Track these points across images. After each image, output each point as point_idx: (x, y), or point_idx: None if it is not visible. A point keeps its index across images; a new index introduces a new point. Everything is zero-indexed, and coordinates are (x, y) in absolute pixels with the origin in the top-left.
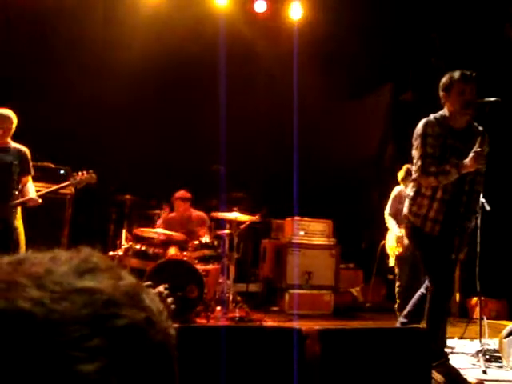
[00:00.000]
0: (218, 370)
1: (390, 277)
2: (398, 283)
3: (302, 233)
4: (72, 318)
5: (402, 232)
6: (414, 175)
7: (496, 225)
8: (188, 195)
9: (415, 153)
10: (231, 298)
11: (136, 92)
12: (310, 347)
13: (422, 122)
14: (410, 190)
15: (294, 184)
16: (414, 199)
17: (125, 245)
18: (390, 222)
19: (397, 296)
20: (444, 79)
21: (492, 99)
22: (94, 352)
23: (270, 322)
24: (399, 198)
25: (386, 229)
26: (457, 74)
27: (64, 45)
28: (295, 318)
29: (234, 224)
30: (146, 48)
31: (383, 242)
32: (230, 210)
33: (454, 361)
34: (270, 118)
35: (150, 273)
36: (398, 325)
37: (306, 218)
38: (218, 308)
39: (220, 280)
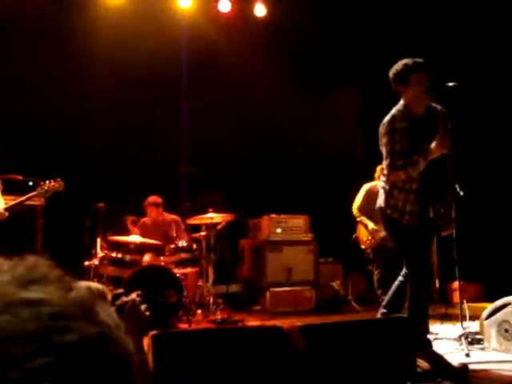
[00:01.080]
0: (203, 373)
1: (370, 267)
2: (376, 271)
3: (279, 230)
4: (14, 333)
5: (376, 226)
6: (385, 172)
7: (472, 209)
8: (159, 200)
9: (384, 150)
10: (211, 300)
11: (101, 99)
12: (293, 344)
13: (388, 117)
14: (384, 184)
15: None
16: (390, 192)
17: (100, 253)
18: (363, 217)
19: (376, 285)
20: (397, 70)
21: (450, 84)
22: (38, 373)
23: (252, 322)
24: (371, 195)
25: (356, 222)
26: (410, 62)
27: (25, 56)
28: (278, 315)
29: (210, 225)
30: (111, 53)
31: (355, 234)
32: (205, 211)
33: (437, 346)
34: (237, 117)
35: (128, 280)
36: (378, 315)
37: (282, 215)
38: (199, 311)
39: (199, 283)
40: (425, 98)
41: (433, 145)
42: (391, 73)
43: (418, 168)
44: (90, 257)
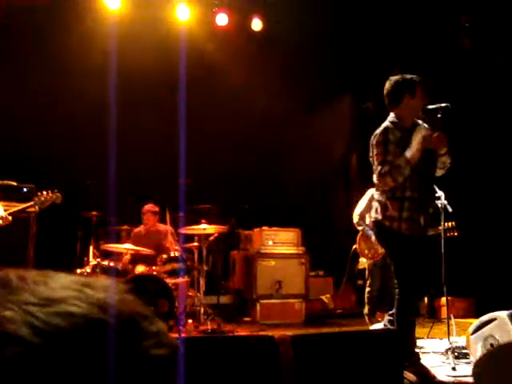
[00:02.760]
0: (193, 381)
1: (360, 282)
2: (368, 289)
3: (270, 242)
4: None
5: None
6: (376, 182)
7: (460, 224)
8: (156, 208)
9: (375, 160)
10: (202, 310)
11: (98, 108)
12: (284, 354)
13: (380, 129)
14: (379, 196)
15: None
16: (385, 204)
17: (92, 261)
18: (366, 227)
19: (366, 301)
20: (390, 87)
21: (443, 105)
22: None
23: (242, 333)
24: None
25: (355, 232)
26: (403, 80)
27: (23, 60)
28: (267, 327)
29: (203, 236)
30: (108, 63)
31: (354, 246)
32: (198, 223)
33: (424, 359)
34: (232, 129)
35: None
36: (385, 322)
37: (274, 228)
38: (190, 321)
39: (190, 293)
40: (416, 115)
41: (413, 145)
42: (386, 87)
43: (403, 172)
44: (82, 265)
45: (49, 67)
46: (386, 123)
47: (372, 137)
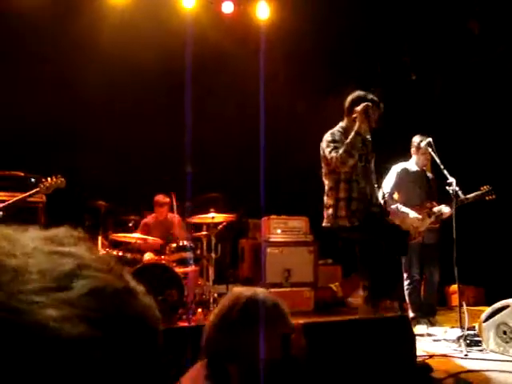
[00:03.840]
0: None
1: None
2: (407, 281)
3: (279, 231)
4: (46, 270)
5: (419, 215)
6: (335, 166)
7: (471, 212)
8: (168, 199)
9: (327, 154)
10: (211, 299)
11: (104, 96)
12: (296, 342)
13: (329, 132)
14: (326, 200)
15: (261, 182)
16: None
17: (101, 251)
18: (399, 205)
19: (408, 293)
20: (352, 97)
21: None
22: (58, 304)
23: None
24: (406, 175)
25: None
26: (363, 95)
27: (29, 52)
28: None
29: (211, 225)
30: (114, 52)
31: None
32: (207, 211)
33: (437, 347)
34: (239, 117)
35: None
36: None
37: (282, 216)
38: (199, 310)
39: (199, 282)
40: (367, 127)
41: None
42: (348, 99)
43: (347, 150)
44: None
45: (50, 54)
46: (335, 129)
47: (323, 141)
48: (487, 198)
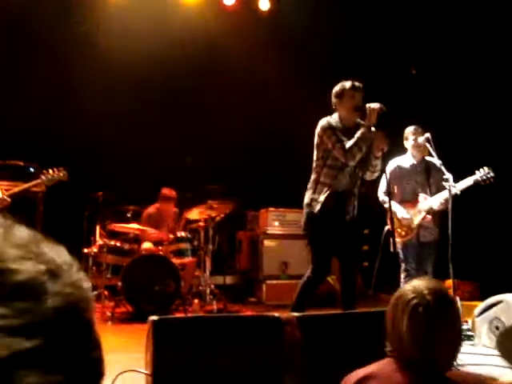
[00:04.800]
0: (200, 360)
1: (365, 264)
2: (404, 274)
3: (276, 223)
4: None
5: (409, 213)
6: (339, 158)
7: (466, 207)
8: (175, 194)
9: (327, 143)
10: (208, 290)
11: (106, 87)
12: (290, 334)
13: (324, 119)
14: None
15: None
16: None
17: (99, 241)
18: (393, 203)
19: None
20: (336, 88)
21: (376, 106)
22: None
23: (248, 313)
24: (399, 170)
25: (384, 212)
26: (347, 83)
27: (31, 42)
28: (273, 308)
29: (209, 216)
30: (113, 45)
31: (387, 227)
32: (205, 203)
33: None
34: (239, 109)
35: (127, 268)
36: None
37: (280, 209)
38: (196, 301)
39: (196, 273)
40: (353, 114)
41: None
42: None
43: (359, 146)
44: (89, 244)
45: (52, 47)
46: (328, 118)
47: (317, 128)
48: (487, 182)
